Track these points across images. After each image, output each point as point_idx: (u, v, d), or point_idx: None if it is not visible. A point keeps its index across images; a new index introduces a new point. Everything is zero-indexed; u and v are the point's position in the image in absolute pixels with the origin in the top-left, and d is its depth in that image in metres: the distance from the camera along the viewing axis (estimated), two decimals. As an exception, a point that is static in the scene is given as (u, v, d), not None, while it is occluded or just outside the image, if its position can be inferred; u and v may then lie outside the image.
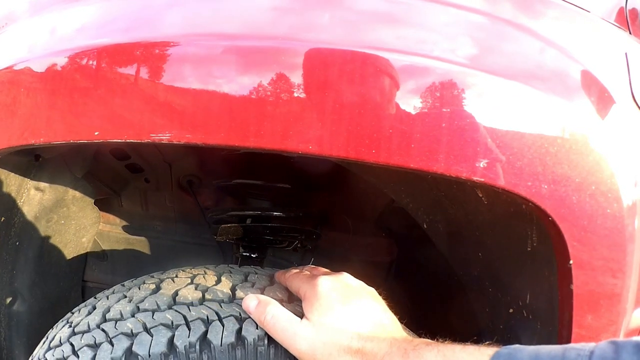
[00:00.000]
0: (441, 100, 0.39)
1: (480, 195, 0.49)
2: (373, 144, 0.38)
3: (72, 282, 0.77)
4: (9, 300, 0.67)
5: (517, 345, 0.35)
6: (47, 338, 0.56)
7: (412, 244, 0.77)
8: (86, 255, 0.80)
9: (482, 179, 0.41)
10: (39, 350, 0.54)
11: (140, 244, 0.84)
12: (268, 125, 0.37)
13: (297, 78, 0.37)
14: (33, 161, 0.59)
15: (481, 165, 0.41)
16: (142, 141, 0.39)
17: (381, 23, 0.41)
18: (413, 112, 0.39)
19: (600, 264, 0.44)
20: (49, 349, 0.52)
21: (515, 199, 0.43)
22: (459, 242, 0.59)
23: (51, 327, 0.56)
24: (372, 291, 0.46)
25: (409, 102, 0.39)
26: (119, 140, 0.41)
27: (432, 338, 0.41)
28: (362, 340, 0.39)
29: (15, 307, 0.68)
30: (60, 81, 0.43)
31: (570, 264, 0.43)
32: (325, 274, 0.46)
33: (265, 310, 0.42)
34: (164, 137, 0.38)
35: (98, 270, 0.83)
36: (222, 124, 0.37)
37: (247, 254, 0.67)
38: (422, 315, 0.58)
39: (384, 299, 0.47)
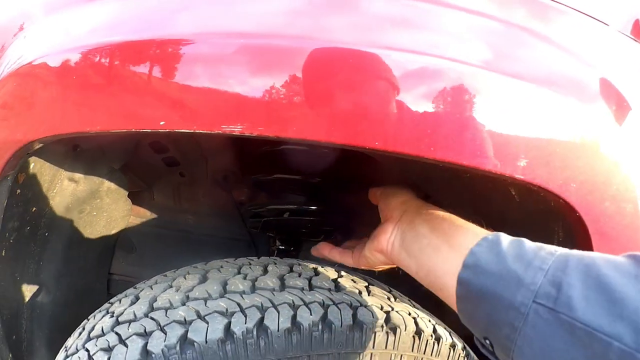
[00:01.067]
0: (488, 103, 0.43)
1: (513, 193, 0.53)
2: (432, 142, 0.41)
3: (99, 274, 0.76)
4: (33, 291, 0.66)
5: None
6: (83, 329, 0.56)
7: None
8: (114, 247, 0.80)
9: (522, 177, 0.45)
10: (75, 341, 0.54)
11: (169, 237, 0.84)
12: (340, 122, 0.39)
13: (369, 78, 0.40)
14: (70, 151, 0.59)
15: (522, 165, 0.45)
16: (213, 132, 0.41)
17: (417, 26, 0.44)
18: (467, 113, 0.42)
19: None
20: (90, 339, 0.52)
21: (547, 196, 0.47)
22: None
23: (75, 319, 0.56)
24: None
25: (464, 104, 0.42)
26: (186, 131, 0.42)
27: None
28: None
29: (40, 299, 0.67)
30: (128, 70, 0.44)
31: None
32: None
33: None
34: (236, 129, 0.40)
35: (125, 263, 0.82)
36: (297, 118, 0.39)
37: (284, 248, 0.69)
38: (439, 311, 0.61)
39: None
